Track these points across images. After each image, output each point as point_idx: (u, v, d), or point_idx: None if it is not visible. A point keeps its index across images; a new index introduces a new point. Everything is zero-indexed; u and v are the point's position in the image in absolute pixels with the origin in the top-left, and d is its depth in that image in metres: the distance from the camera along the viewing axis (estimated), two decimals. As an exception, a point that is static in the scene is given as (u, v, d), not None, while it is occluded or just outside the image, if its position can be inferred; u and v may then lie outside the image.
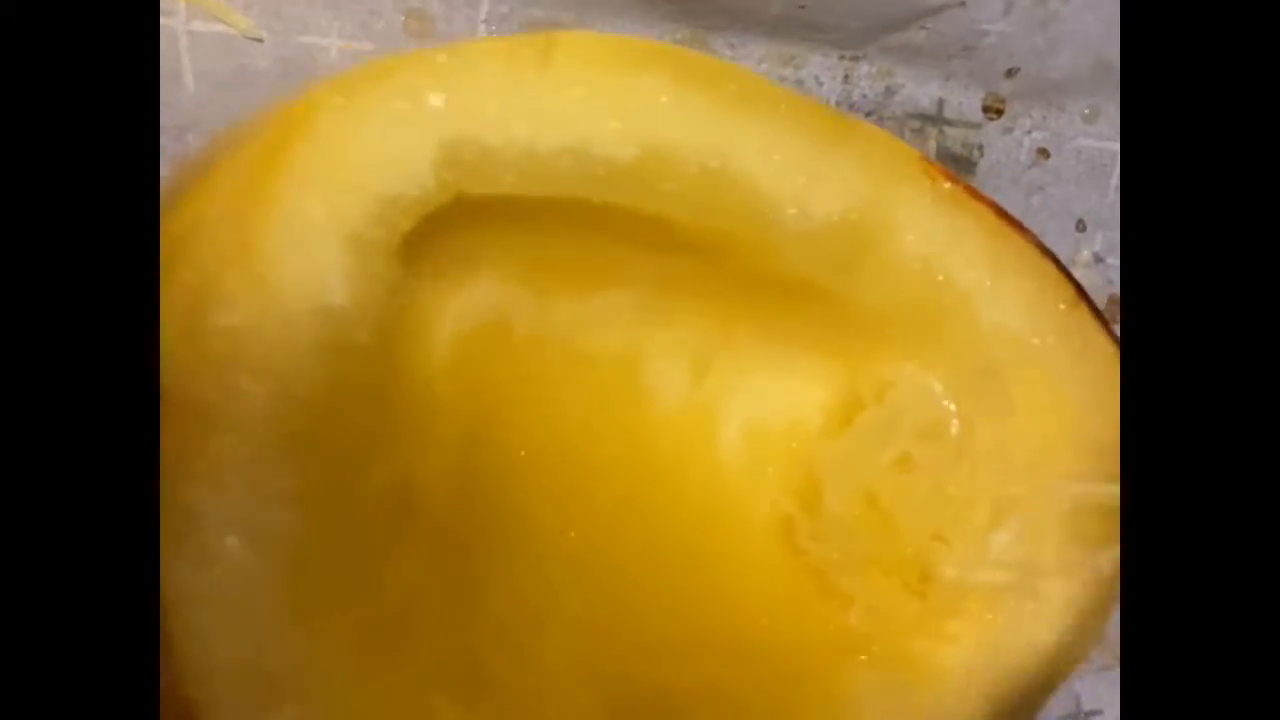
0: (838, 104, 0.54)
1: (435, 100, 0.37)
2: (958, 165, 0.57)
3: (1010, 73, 0.55)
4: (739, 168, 0.43)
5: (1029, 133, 0.58)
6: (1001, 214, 0.49)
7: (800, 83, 0.53)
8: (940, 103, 0.57)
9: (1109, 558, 0.42)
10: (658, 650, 0.50)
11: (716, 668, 0.50)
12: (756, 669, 0.50)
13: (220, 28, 0.44)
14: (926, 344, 0.49)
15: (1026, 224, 0.52)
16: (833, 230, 0.45)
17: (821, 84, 0.54)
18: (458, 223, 0.39)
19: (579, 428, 0.52)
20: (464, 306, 0.47)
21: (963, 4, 0.52)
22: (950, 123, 0.57)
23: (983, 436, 0.49)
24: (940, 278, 0.47)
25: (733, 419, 0.53)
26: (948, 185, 0.48)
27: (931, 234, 0.47)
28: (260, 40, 0.44)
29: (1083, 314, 0.50)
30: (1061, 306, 0.49)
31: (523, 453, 0.50)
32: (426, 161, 0.37)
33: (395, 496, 0.45)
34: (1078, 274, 0.57)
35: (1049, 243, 0.57)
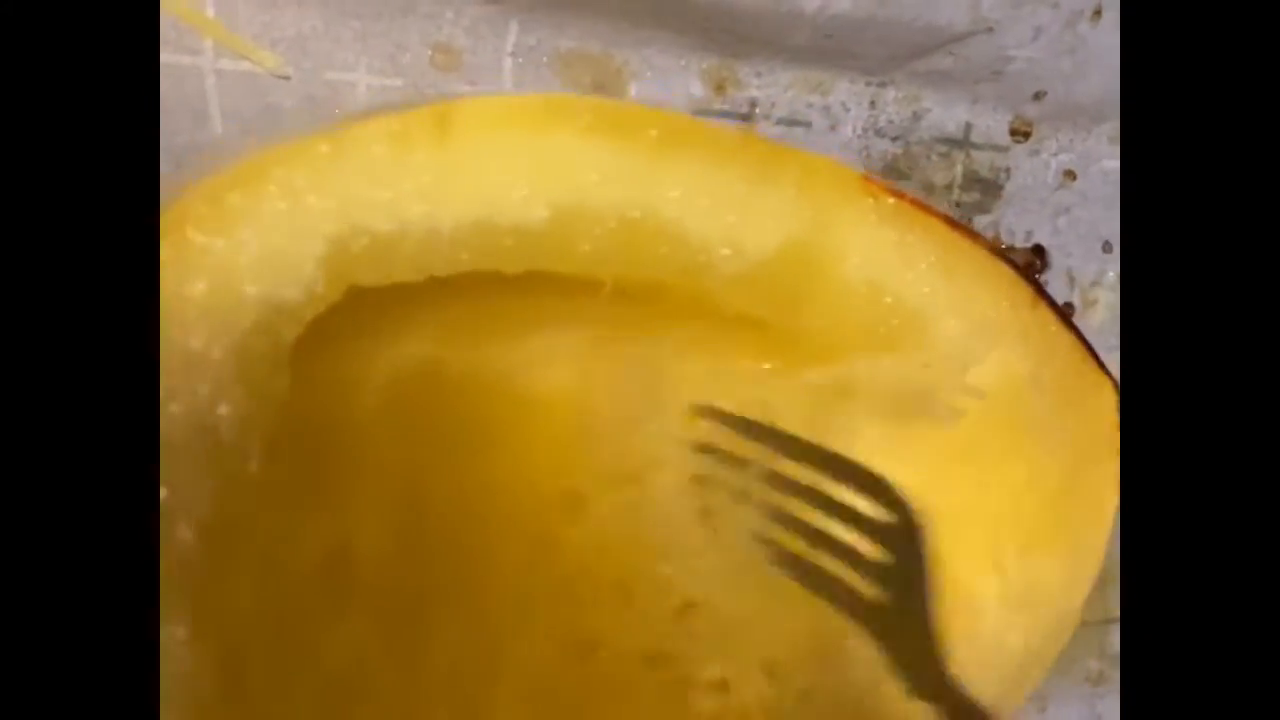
0: (864, 130, 0.53)
1: (318, 195, 0.35)
2: (984, 189, 0.56)
3: (1037, 96, 0.55)
4: (664, 216, 0.41)
5: (1056, 155, 0.58)
6: (952, 223, 0.47)
7: (827, 109, 0.52)
8: (967, 127, 0.56)
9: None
10: (613, 692, 0.49)
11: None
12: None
13: (247, 66, 0.42)
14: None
15: (1053, 246, 0.51)
16: (769, 266, 0.43)
17: (848, 110, 0.53)
18: (358, 315, 0.37)
19: (525, 469, 0.50)
20: (392, 363, 0.45)
21: (990, 30, 0.50)
22: (977, 146, 0.56)
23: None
24: (889, 299, 0.45)
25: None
26: (892, 201, 0.45)
27: (877, 253, 0.45)
28: (287, 78, 0.43)
29: (1043, 313, 0.48)
30: (1019, 309, 0.47)
31: (465, 500, 0.49)
32: (312, 260, 0.35)
33: (332, 566, 0.44)
34: (1103, 296, 0.56)
35: (1074, 265, 0.57)
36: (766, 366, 0.48)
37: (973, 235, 0.48)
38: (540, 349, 0.49)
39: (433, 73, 0.45)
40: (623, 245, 0.40)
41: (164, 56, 0.42)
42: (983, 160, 0.56)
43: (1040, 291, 0.48)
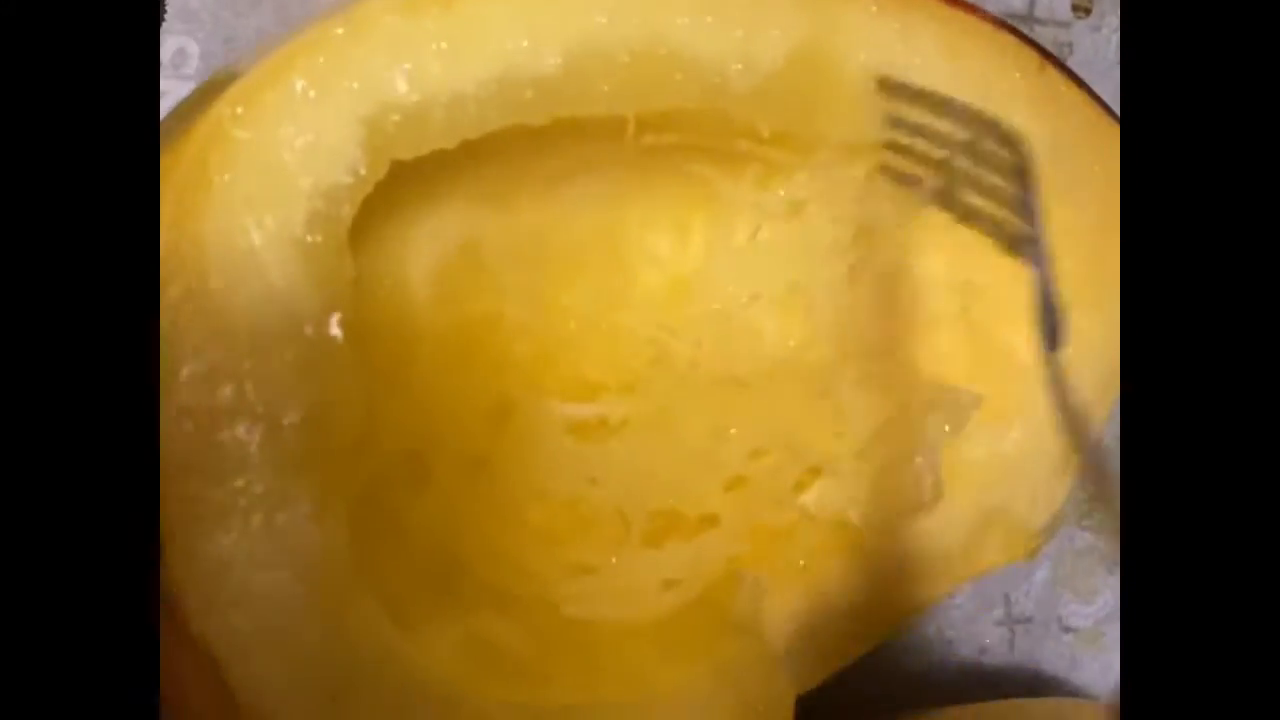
0: None
1: (343, 78, 0.36)
2: None
3: (1097, -30, 0.56)
4: (674, 42, 0.41)
5: (1116, 30, 0.60)
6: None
7: None
8: (1031, 2, 0.58)
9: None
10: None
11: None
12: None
13: None
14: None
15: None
16: (781, 76, 0.43)
17: None
18: (399, 188, 0.38)
19: (574, 320, 0.51)
20: (428, 246, 0.46)
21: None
22: (1040, 21, 0.59)
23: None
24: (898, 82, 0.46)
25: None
26: (891, -12, 0.45)
27: (882, 44, 0.45)
28: None
29: (1051, 75, 0.48)
30: (1028, 75, 0.48)
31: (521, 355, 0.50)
32: (351, 143, 0.36)
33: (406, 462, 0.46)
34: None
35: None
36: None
37: (970, 8, 0.48)
38: (571, 199, 0.50)
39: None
40: (638, 79, 0.41)
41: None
42: (1045, 36, 0.58)
43: (1046, 54, 0.49)
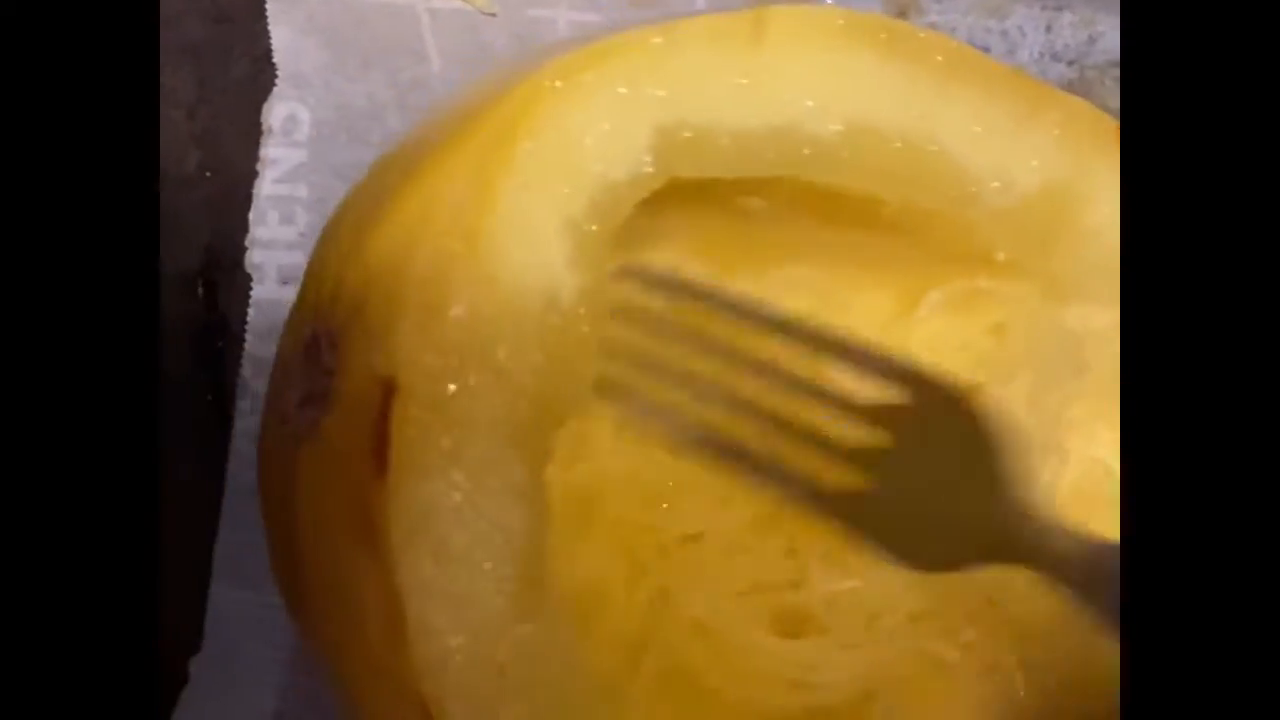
0: (1040, 54, 0.54)
1: (653, 84, 0.37)
2: None
3: (1207, 18, 0.55)
4: (943, 141, 0.42)
5: None
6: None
7: (1005, 33, 0.53)
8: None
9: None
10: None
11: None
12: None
13: (458, 4, 0.44)
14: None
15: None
16: (1032, 204, 0.44)
17: (1025, 34, 0.54)
18: (666, 206, 0.38)
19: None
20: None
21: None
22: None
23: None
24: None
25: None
26: (1145, 155, 0.46)
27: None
28: (494, 15, 0.45)
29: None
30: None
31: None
32: (644, 146, 0.37)
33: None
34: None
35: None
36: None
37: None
38: (778, 282, 0.50)
39: (629, 9, 0.47)
40: (905, 165, 0.41)
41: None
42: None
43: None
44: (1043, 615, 0.46)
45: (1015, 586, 0.45)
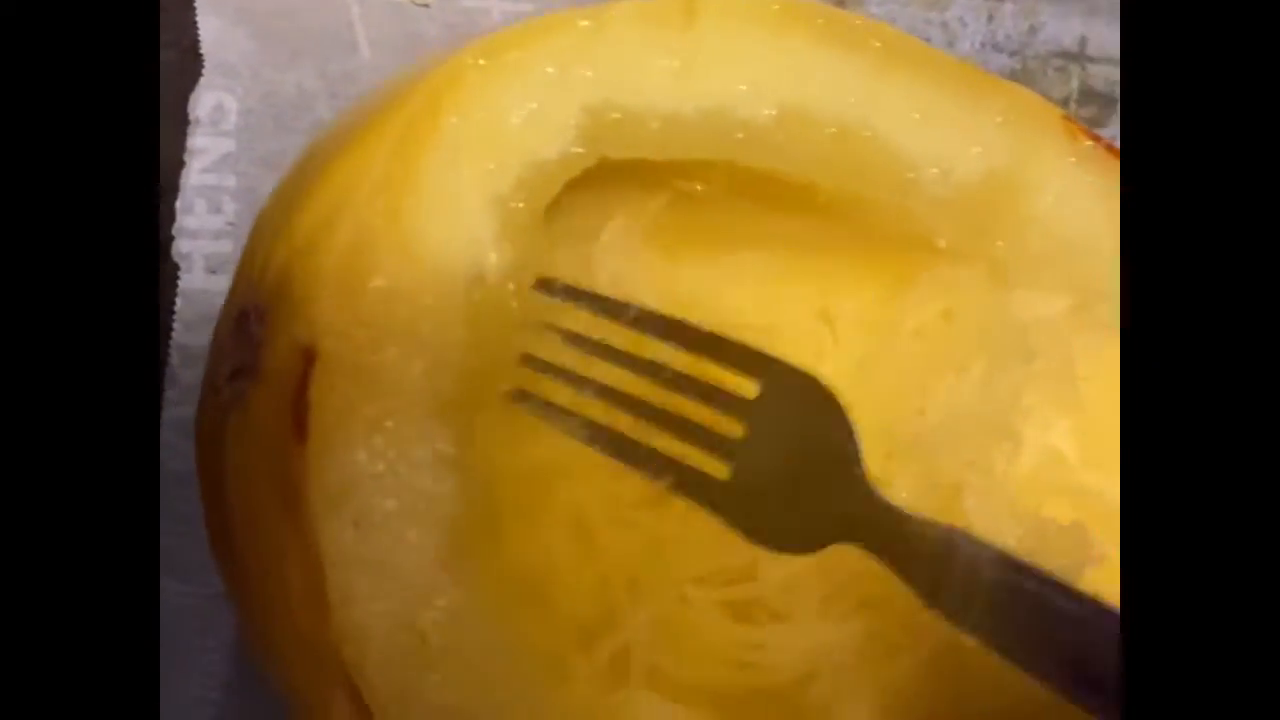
0: (982, 44, 0.55)
1: (580, 65, 0.37)
2: (1101, 103, 0.57)
3: (1153, 5, 0.55)
4: (879, 128, 0.42)
5: None
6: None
7: (945, 24, 0.54)
8: (1083, 40, 0.57)
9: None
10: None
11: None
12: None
13: None
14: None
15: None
16: (972, 191, 0.44)
17: (966, 25, 0.54)
18: (595, 185, 0.39)
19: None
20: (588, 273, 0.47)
21: (1104, -60, 0.51)
22: (1093, 60, 0.57)
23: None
24: (1076, 239, 0.46)
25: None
26: (1089, 144, 0.46)
27: (1070, 194, 0.45)
28: (427, 5, 0.45)
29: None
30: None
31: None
32: (571, 126, 0.37)
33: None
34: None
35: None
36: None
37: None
38: (730, 268, 0.50)
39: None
40: (840, 152, 0.42)
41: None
42: (1098, 74, 0.57)
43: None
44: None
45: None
